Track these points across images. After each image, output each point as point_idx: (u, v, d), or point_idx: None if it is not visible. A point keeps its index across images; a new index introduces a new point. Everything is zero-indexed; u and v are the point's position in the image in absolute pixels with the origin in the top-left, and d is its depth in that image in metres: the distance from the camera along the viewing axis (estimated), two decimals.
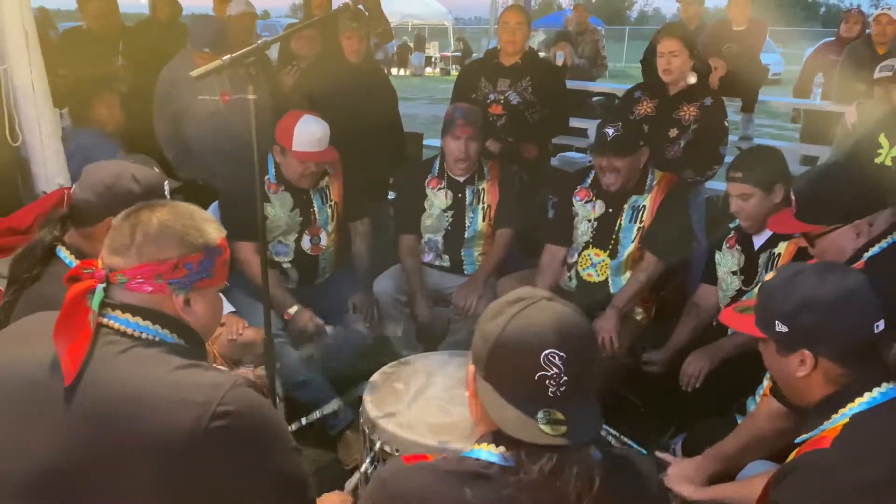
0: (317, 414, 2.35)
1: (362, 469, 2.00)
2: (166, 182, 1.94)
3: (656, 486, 1.24)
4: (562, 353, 1.08)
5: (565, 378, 1.09)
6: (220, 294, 1.37)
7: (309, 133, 2.88)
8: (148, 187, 1.82)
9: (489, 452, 1.14)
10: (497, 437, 1.13)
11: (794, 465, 1.34)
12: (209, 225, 1.29)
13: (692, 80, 3.50)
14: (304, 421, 2.27)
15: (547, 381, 1.09)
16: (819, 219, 1.99)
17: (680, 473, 1.89)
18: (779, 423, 1.76)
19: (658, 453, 2.03)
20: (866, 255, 1.91)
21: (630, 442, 2.22)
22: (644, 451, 2.17)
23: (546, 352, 1.09)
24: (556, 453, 1.07)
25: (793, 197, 2.08)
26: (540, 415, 1.09)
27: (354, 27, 3.69)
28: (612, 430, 2.23)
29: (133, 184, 1.81)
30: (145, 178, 1.85)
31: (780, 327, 1.39)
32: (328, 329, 2.91)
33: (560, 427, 1.08)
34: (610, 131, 2.87)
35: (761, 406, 1.92)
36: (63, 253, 1.79)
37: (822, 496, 1.24)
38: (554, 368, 1.08)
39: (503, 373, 1.13)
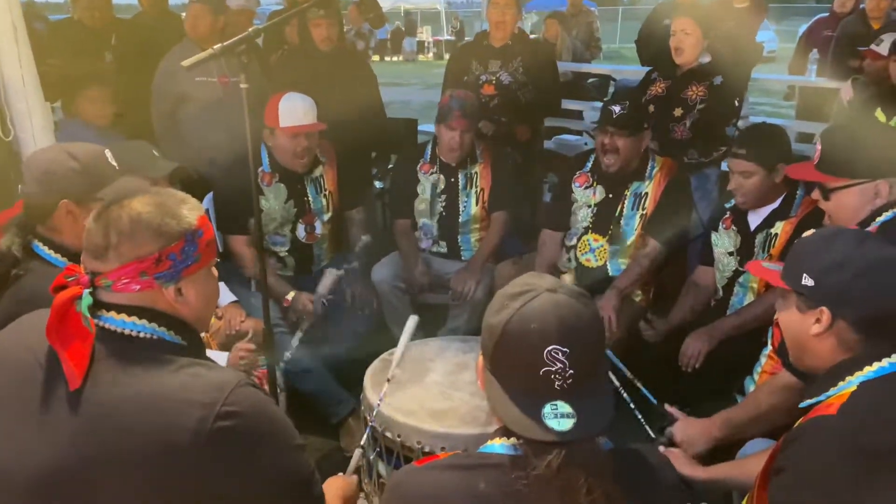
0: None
1: (360, 449, 1.97)
2: (106, 151, 1.85)
3: (669, 478, 1.23)
4: (565, 349, 1.08)
5: (571, 371, 1.08)
6: (221, 283, 1.34)
7: (293, 107, 2.91)
8: (88, 160, 1.77)
9: (502, 445, 1.14)
10: (508, 430, 1.13)
11: (800, 432, 1.33)
12: (184, 208, 1.21)
13: (706, 59, 3.43)
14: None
15: (553, 376, 1.08)
16: (841, 171, 1.94)
17: (684, 433, 1.91)
18: (791, 398, 1.75)
19: (667, 406, 2.03)
20: (879, 219, 1.88)
21: (643, 388, 2.24)
22: (655, 401, 2.18)
23: (549, 348, 1.08)
24: (563, 448, 1.07)
25: (817, 146, 2.03)
26: (547, 409, 1.08)
27: (321, 15, 3.63)
28: (627, 373, 2.26)
29: (71, 161, 1.75)
30: (82, 152, 1.78)
31: (807, 280, 1.37)
32: (325, 302, 2.90)
33: (568, 420, 1.07)
34: (616, 108, 2.87)
35: (775, 379, 1.91)
36: (40, 248, 1.75)
37: (828, 463, 1.24)
38: (558, 364, 1.08)
39: (508, 368, 1.13)
